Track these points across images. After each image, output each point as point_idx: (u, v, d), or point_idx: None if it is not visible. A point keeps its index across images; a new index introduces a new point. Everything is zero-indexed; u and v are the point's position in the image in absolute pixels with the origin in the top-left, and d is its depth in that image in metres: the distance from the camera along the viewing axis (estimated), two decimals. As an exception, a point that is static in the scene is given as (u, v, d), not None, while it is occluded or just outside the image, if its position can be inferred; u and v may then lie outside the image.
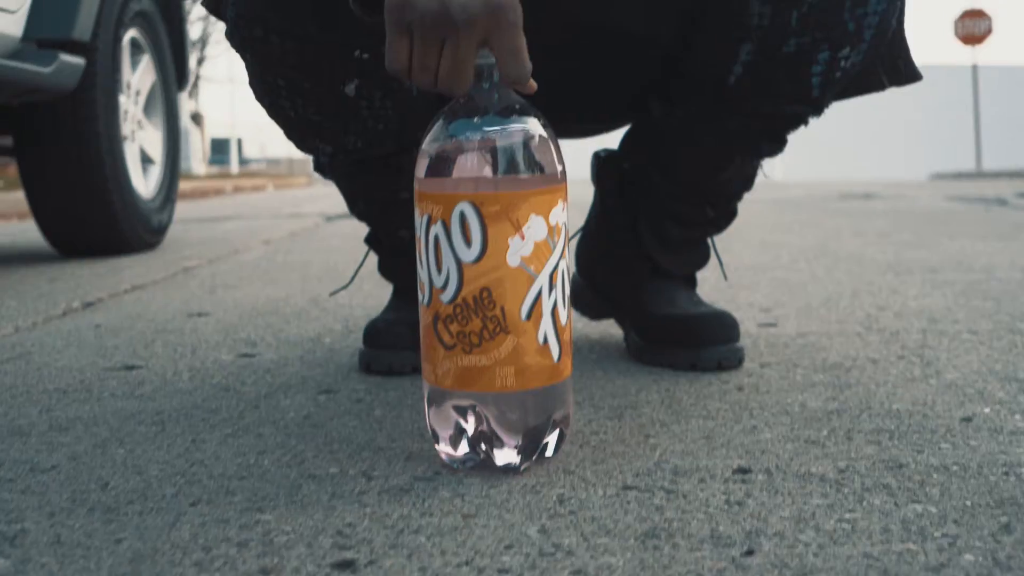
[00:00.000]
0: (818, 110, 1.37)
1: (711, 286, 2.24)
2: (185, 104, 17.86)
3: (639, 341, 1.53)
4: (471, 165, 0.96)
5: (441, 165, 0.98)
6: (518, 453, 0.98)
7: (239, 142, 38.60)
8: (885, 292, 2.20)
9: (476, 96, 0.99)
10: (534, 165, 0.97)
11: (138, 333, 1.92)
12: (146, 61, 3.79)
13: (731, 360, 1.45)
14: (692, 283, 1.60)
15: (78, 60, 3.10)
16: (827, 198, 7.19)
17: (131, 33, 3.63)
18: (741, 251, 3.20)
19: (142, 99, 3.77)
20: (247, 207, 7.47)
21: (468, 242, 0.95)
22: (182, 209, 6.76)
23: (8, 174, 10.31)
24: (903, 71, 1.41)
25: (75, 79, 3.10)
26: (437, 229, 0.97)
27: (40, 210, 3.42)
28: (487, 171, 0.95)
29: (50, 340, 1.87)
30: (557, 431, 1.01)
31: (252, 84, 1.32)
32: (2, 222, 6.08)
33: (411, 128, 1.31)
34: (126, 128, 3.56)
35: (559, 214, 0.98)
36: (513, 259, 0.95)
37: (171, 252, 3.60)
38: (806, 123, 1.40)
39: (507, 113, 0.98)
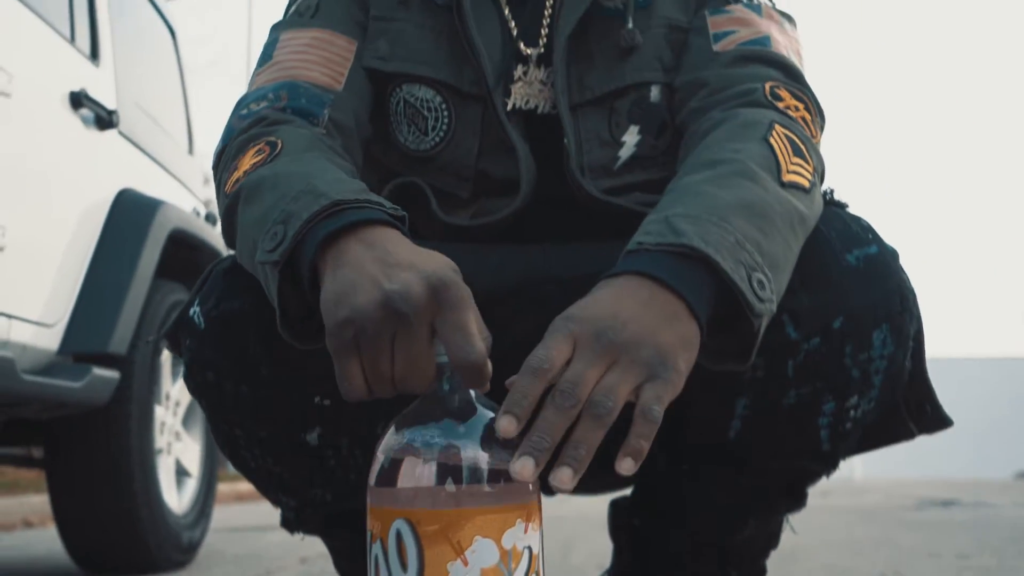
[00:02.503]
0: (832, 465, 1.21)
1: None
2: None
3: None
4: (410, 478, 0.84)
5: (383, 477, 0.86)
6: None
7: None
8: (958, 645, 1.95)
9: (433, 400, 0.88)
10: (484, 479, 0.83)
11: None
12: (188, 372, 3.74)
13: None
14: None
15: (112, 374, 3.05)
16: (904, 506, 6.86)
17: (173, 344, 3.59)
18: (800, 581, 2.95)
19: (182, 410, 3.71)
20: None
21: (404, 566, 0.82)
22: (231, 514, 6.61)
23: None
24: (930, 415, 1.25)
25: (107, 393, 3.04)
26: (377, 549, 0.84)
27: (64, 523, 3.30)
28: (427, 485, 0.83)
29: None
30: None
31: (212, 432, 1.22)
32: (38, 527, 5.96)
33: None
34: (162, 440, 3.48)
35: (519, 536, 0.83)
36: (454, 588, 0.81)
37: (198, 572, 3.42)
38: (827, 476, 1.23)
39: (465, 417, 0.86)
